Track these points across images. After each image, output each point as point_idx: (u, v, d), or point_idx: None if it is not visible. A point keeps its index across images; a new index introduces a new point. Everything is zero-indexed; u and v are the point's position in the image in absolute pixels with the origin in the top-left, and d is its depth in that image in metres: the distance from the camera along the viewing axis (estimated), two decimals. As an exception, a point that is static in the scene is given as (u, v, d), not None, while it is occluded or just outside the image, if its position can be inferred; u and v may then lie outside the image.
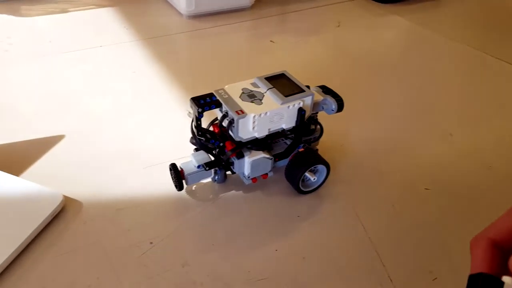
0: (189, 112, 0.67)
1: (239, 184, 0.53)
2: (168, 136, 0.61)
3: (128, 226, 0.46)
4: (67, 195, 0.49)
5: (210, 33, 0.93)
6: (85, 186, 0.51)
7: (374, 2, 1.13)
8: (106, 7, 1.04)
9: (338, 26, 0.99)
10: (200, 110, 0.46)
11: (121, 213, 0.48)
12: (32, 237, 0.43)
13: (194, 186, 0.52)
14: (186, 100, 0.69)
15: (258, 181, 0.51)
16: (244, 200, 0.51)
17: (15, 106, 0.65)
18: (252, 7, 1.06)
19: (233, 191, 0.52)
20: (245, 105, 0.47)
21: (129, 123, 0.63)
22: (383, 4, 1.12)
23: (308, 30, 0.98)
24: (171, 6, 1.04)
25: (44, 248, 0.43)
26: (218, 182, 0.53)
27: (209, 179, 0.53)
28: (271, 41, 0.90)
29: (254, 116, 0.45)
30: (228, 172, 0.53)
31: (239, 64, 0.82)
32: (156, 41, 0.88)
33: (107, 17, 0.99)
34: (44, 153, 0.56)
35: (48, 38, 0.87)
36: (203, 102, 0.47)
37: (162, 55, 0.83)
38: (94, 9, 1.03)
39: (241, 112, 0.46)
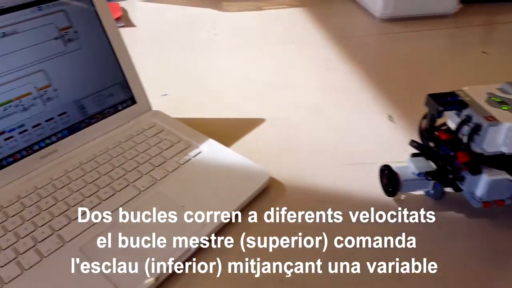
0: (390, 116, 0.61)
1: (460, 204, 0.44)
2: (367, 135, 0.56)
3: (332, 221, 0.43)
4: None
5: (406, 37, 0.86)
6: (287, 169, 0.50)
7: None
8: (297, 7, 1.06)
9: None
10: (441, 109, 0.40)
11: (325, 206, 0.45)
12: (240, 208, 0.44)
13: (404, 195, 0.46)
14: (383, 102, 0.64)
15: (490, 207, 0.42)
16: (466, 225, 0.42)
17: (221, 88, 0.70)
18: (454, 14, 0.94)
19: (452, 212, 0.44)
20: (497, 112, 0.39)
21: (327, 117, 0.61)
22: None
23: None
24: (362, 8, 1.01)
25: (248, 222, 0.43)
26: (433, 197, 0.45)
27: (421, 191, 0.46)
28: (483, 51, 0.78)
29: (510, 127, 0.37)
30: (448, 189, 0.45)
31: (444, 73, 0.72)
32: (347, 42, 0.86)
33: (298, 16, 1.01)
34: (247, 132, 0.57)
35: (245, 32, 0.93)
36: (444, 101, 0.41)
37: (354, 55, 0.80)
38: (286, 8, 1.06)
39: (492, 119, 0.38)
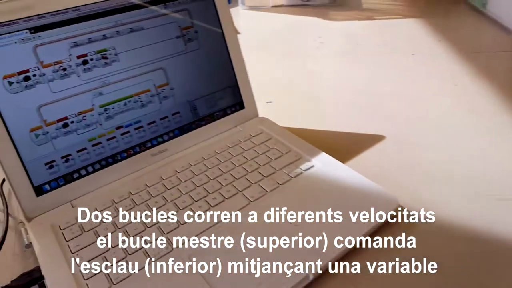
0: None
1: None
2: (515, 168, 0.46)
3: (479, 262, 0.35)
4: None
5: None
6: (416, 198, 0.42)
7: None
8: (413, 18, 0.97)
9: None
10: None
11: (471, 246, 0.36)
12: (363, 236, 0.37)
13: None
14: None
15: None
16: None
17: (329, 98, 0.65)
18: None
19: None
20: None
21: (460, 140, 0.52)
22: None
23: None
24: (493, 20, 0.88)
25: (367, 255, 0.37)
26: None
27: None
28: None
29: None
30: None
31: None
32: (476, 57, 0.75)
33: (415, 27, 0.92)
34: (364, 149, 0.51)
35: (355, 41, 0.87)
36: None
37: (486, 72, 0.69)
38: (400, 19, 0.98)
39: None
